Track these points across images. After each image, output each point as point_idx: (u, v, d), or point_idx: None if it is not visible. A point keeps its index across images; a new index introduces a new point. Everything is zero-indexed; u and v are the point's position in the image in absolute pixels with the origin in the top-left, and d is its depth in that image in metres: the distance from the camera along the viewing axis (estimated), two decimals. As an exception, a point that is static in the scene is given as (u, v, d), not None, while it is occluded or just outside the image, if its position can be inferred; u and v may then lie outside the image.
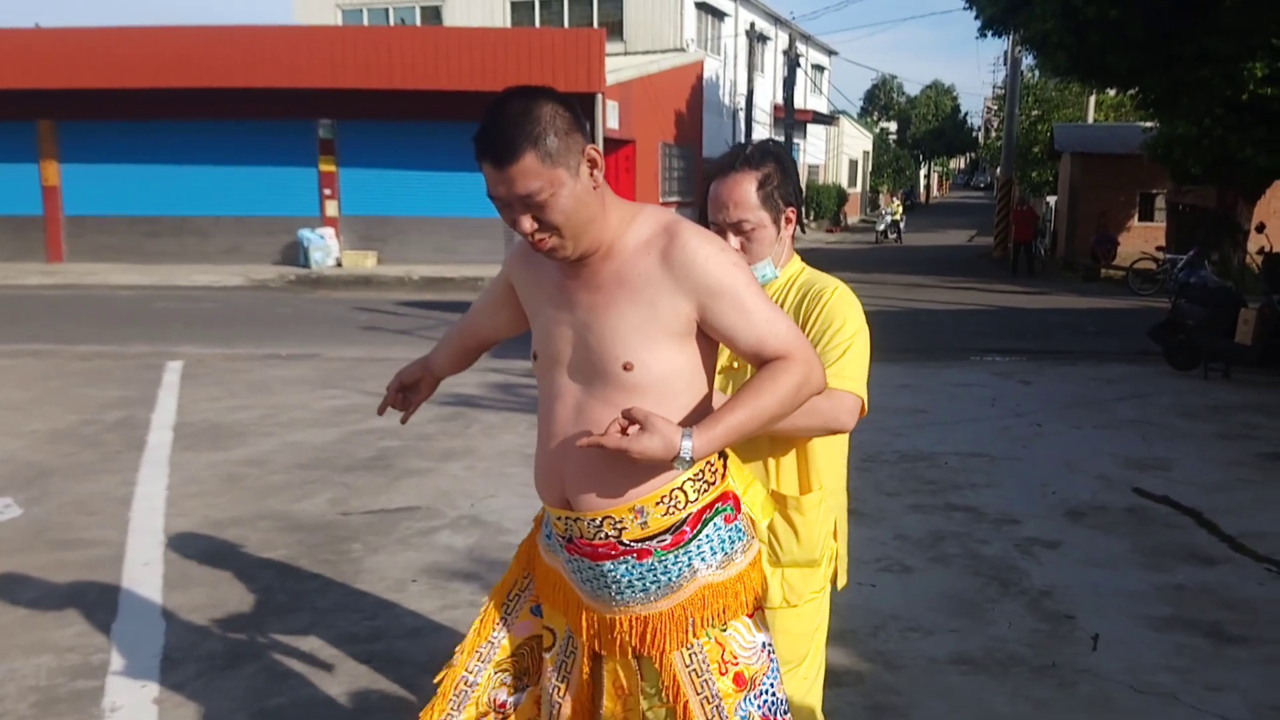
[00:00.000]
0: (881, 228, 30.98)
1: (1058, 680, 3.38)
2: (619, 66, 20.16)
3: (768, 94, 33.29)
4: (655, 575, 1.80)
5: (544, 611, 2.02)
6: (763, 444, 2.14)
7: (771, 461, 2.16)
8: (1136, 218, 21.95)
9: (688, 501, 1.79)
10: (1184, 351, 9.03)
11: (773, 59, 34.28)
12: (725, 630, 1.83)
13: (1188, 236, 17.48)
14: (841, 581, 2.36)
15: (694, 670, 1.83)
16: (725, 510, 1.84)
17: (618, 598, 1.83)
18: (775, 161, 2.20)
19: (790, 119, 26.71)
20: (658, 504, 1.78)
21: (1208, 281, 9.45)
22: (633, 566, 1.80)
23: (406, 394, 2.20)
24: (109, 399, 7.56)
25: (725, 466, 1.87)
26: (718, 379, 2.06)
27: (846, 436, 2.30)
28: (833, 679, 3.21)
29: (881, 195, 43.76)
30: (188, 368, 8.89)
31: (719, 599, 1.83)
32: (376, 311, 13.56)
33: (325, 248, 18.67)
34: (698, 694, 1.82)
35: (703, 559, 1.81)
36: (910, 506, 5.24)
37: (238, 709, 3.17)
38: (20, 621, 3.77)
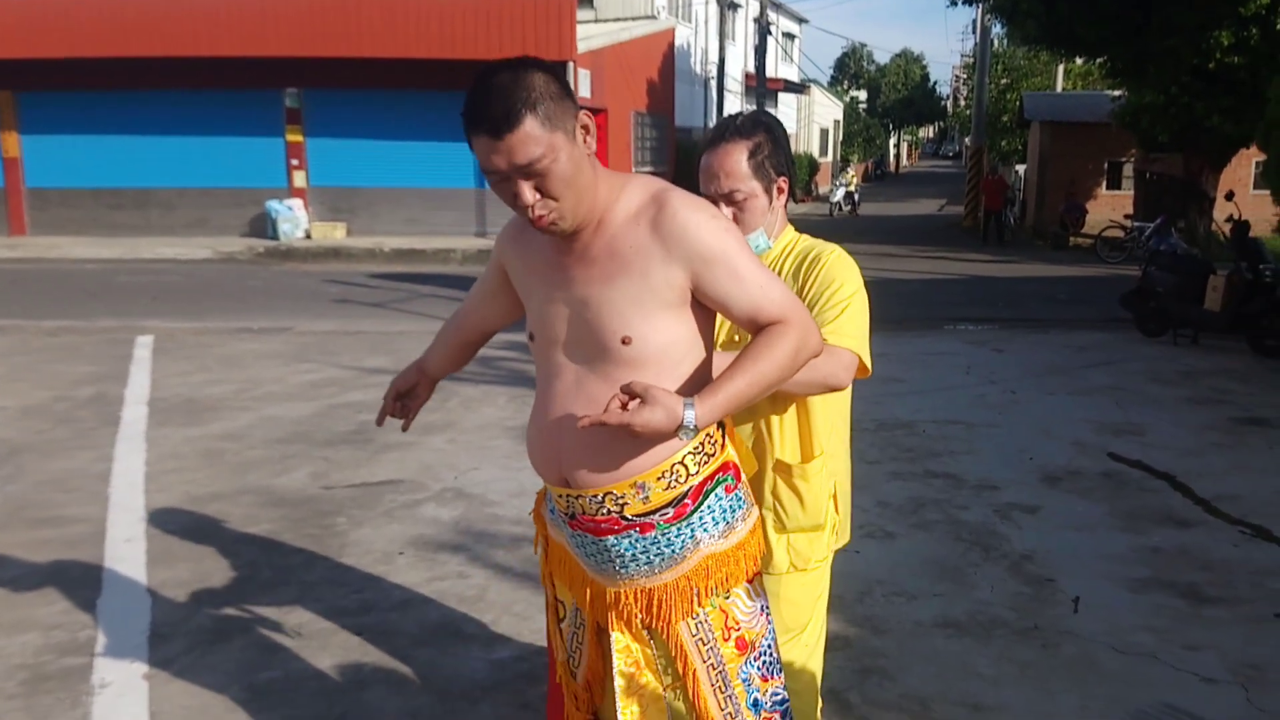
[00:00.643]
0: (836, 198, 28.44)
1: (1041, 642, 3.45)
2: (590, 34, 19.96)
3: (739, 62, 33.14)
4: (659, 548, 1.81)
5: (555, 584, 2.03)
6: (763, 410, 2.16)
7: (774, 431, 2.18)
8: (1105, 186, 22.12)
9: (689, 475, 1.79)
10: (1154, 318, 9.15)
11: (743, 27, 34.10)
12: (728, 598, 1.85)
13: (1155, 204, 17.66)
14: (844, 539, 2.38)
15: (700, 639, 1.84)
16: (726, 480, 1.85)
17: (622, 571, 1.84)
18: (766, 131, 2.20)
19: (762, 87, 26.59)
20: (659, 479, 1.78)
21: (1177, 249, 9.57)
22: (636, 540, 1.81)
23: (404, 401, 2.18)
24: (80, 374, 7.46)
25: (724, 437, 1.87)
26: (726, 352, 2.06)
27: (848, 403, 2.31)
28: (822, 644, 3.26)
29: (849, 166, 42.49)
30: (158, 342, 8.78)
31: (722, 568, 1.84)
32: (348, 284, 13.44)
33: (294, 219, 18.42)
34: (704, 661, 1.85)
35: (705, 530, 1.82)
36: (890, 474, 5.29)
37: (230, 683, 3.16)
38: (3, 600, 3.73)
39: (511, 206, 1.70)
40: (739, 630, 1.86)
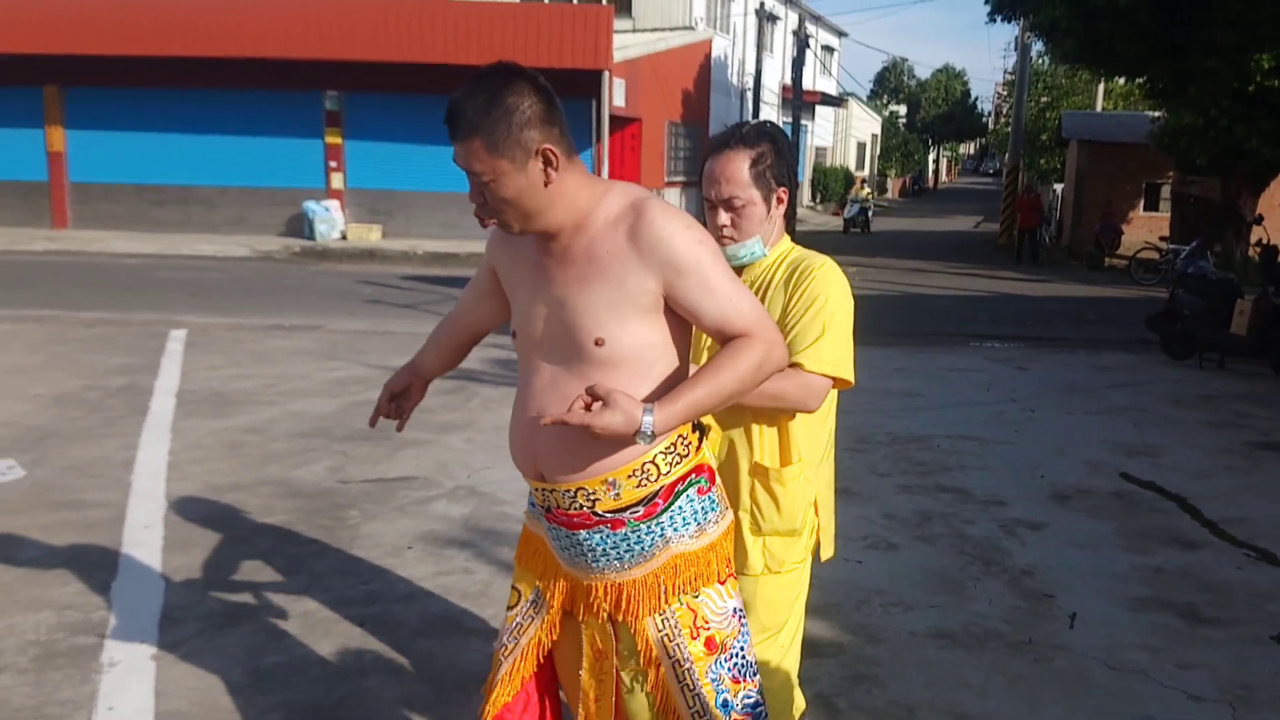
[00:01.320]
0: (849, 215, 26.54)
1: (1033, 656, 3.47)
2: (627, 44, 20.11)
3: (776, 74, 33.18)
4: (629, 545, 1.87)
5: (515, 572, 2.10)
6: (745, 416, 2.22)
7: (753, 434, 2.24)
8: (1141, 207, 21.92)
9: (660, 474, 1.85)
10: (1180, 341, 9.08)
11: (782, 39, 34.13)
12: (697, 597, 1.90)
13: (1192, 227, 17.48)
14: (827, 553, 2.44)
15: (666, 635, 1.90)
16: (699, 482, 1.90)
17: (594, 565, 1.90)
18: (770, 141, 2.26)
19: (798, 100, 26.59)
20: (629, 477, 1.83)
21: (1206, 272, 9.49)
22: (607, 536, 1.87)
23: (398, 402, 2.24)
24: (112, 365, 7.65)
25: (700, 440, 1.93)
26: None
27: (831, 412, 2.37)
28: (814, 650, 3.31)
29: (864, 182, 39.51)
30: (191, 336, 8.97)
31: (691, 567, 1.90)
32: (381, 285, 13.62)
33: (330, 220, 18.69)
34: (670, 657, 1.90)
35: (675, 529, 1.88)
36: (900, 487, 5.31)
37: (234, 666, 3.26)
38: (21, 579, 3.86)
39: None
40: (708, 630, 1.91)
